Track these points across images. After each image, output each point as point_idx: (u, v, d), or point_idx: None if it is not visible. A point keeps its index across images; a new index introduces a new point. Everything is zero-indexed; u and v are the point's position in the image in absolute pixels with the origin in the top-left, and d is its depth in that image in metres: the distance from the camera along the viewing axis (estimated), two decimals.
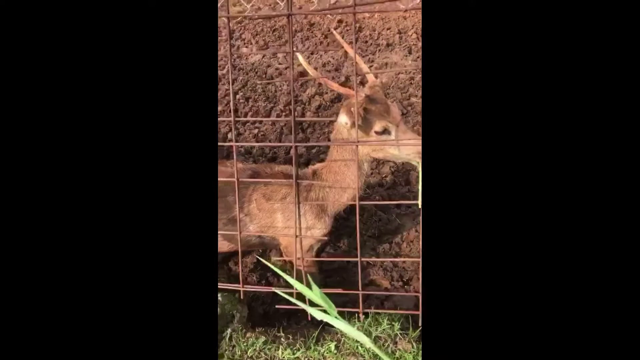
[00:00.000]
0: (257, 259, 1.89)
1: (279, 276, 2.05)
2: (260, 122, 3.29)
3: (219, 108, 3.44)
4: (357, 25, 4.36)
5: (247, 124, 3.29)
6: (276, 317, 1.61)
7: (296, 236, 1.24)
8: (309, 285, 0.80)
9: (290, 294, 0.82)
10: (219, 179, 1.33)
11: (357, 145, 1.22)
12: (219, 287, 1.28)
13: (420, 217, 0.68)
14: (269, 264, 0.98)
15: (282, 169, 1.47)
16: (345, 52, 4.24)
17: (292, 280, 0.96)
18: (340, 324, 0.75)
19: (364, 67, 1.32)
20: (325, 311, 0.77)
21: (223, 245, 1.46)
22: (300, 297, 0.82)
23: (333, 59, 4.35)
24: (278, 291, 0.90)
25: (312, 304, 0.79)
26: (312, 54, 4.42)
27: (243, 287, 1.27)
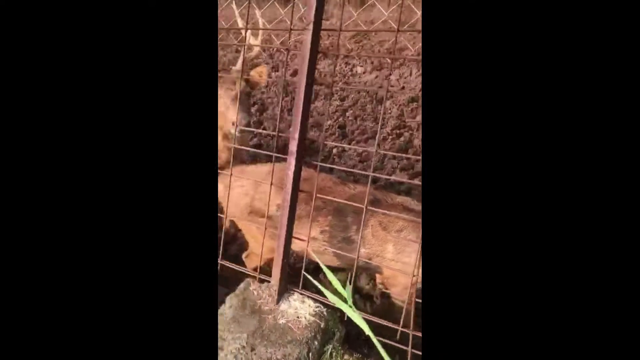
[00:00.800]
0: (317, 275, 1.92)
1: (365, 300, 2.05)
2: (365, 141, 3.36)
3: (328, 122, 3.61)
4: None
5: (352, 142, 3.39)
6: (357, 342, 1.62)
7: (413, 275, 1.23)
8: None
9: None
10: (341, 200, 1.40)
11: None
12: (325, 302, 1.35)
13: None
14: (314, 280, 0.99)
15: (402, 200, 1.48)
16: None
17: (327, 271, 1.00)
18: (349, 312, 0.81)
19: None
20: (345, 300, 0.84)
21: (333, 260, 1.53)
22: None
23: None
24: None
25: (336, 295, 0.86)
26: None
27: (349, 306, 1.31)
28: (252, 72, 1.86)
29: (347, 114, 3.81)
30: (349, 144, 3.40)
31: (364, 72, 4.90)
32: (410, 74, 4.54)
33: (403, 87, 4.26)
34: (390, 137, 3.39)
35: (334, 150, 3.26)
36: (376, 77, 4.63)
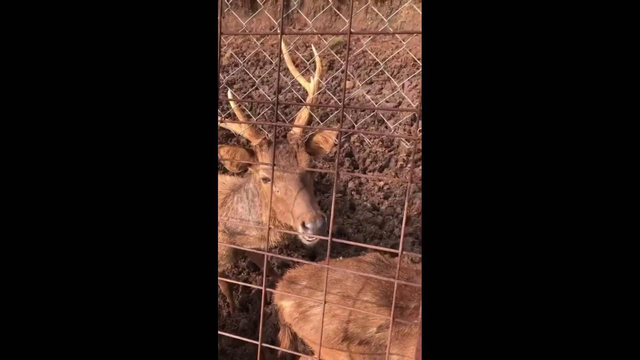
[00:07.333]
0: None
1: None
2: (380, 170, 3.04)
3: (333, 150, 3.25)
4: None
5: (367, 172, 3.05)
6: None
7: None
8: None
9: None
10: None
11: None
12: None
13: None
14: None
15: None
16: None
17: None
18: None
19: None
20: None
21: None
22: None
23: None
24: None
25: None
26: None
27: None
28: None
29: (352, 138, 3.45)
30: (364, 173, 3.03)
31: (352, 87, 4.58)
32: (403, 87, 4.29)
33: (399, 103, 4.00)
34: (408, 164, 3.09)
35: (350, 184, 2.90)
36: (368, 92, 4.32)
